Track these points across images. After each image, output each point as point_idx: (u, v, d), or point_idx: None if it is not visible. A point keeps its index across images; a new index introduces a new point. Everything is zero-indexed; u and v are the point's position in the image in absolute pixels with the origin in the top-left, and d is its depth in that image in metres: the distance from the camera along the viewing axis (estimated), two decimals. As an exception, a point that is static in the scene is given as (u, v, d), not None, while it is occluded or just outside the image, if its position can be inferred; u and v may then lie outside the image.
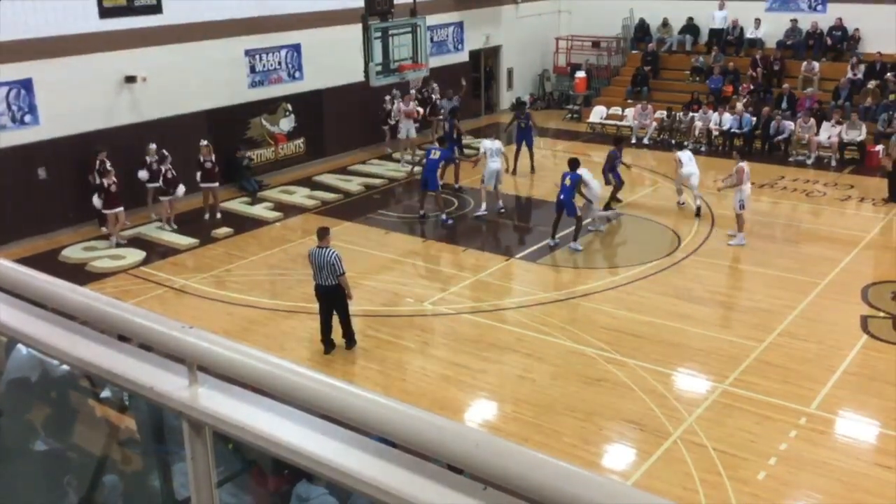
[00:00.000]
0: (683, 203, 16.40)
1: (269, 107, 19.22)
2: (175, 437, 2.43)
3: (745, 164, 14.45)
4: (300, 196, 17.77)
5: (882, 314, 11.65)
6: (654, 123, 21.81)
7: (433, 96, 21.97)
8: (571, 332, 11.20)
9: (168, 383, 2.22)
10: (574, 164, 14.61)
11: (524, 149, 19.40)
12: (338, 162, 20.26)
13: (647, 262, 13.65)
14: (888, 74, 20.90)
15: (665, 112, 21.93)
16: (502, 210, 16.58)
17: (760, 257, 13.95)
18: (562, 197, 14.31)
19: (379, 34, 17.97)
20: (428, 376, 10.26)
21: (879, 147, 18.94)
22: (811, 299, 12.21)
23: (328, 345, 10.78)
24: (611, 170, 16.27)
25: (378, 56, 18.03)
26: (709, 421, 9.05)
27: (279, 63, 19.29)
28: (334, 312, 10.68)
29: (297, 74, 19.67)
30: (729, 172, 14.95)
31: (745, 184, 14.24)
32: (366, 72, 17.34)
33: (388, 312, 12.07)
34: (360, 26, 17.27)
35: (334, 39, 19.53)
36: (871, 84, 20.90)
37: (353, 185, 18.46)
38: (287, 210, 16.90)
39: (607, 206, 16.01)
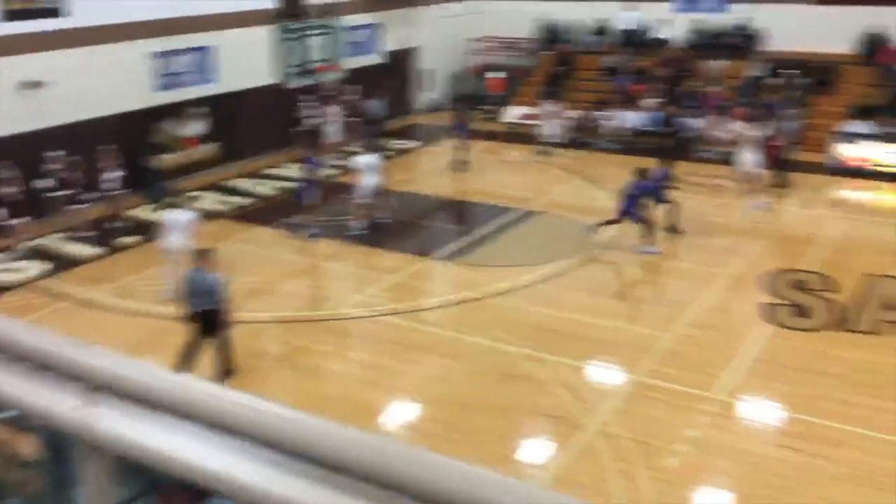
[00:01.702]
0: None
1: (180, 110, 18.81)
2: (76, 458, 2.39)
3: (738, 126, 15.65)
4: (213, 201, 17.44)
5: (784, 302, 12.18)
6: (568, 123, 22.19)
7: (353, 97, 21.92)
8: (489, 331, 11.34)
9: (63, 404, 2.19)
10: (642, 173, 14.32)
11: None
12: (252, 165, 19.99)
13: (562, 259, 13.92)
14: (788, 72, 21.85)
15: (579, 111, 22.37)
16: (384, 219, 15.86)
17: (670, 250, 14.40)
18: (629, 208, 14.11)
19: (294, 35, 17.81)
20: (347, 380, 10.23)
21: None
22: (719, 289, 12.69)
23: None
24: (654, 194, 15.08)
25: (293, 58, 17.87)
26: (622, 412, 9.30)
27: (191, 65, 18.90)
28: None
29: (209, 77, 19.31)
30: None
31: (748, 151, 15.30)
32: (280, 74, 17.17)
33: (306, 317, 11.99)
34: (270, 27, 17.08)
35: (248, 41, 19.23)
36: (773, 81, 21.80)
37: (268, 188, 18.26)
38: (200, 216, 16.54)
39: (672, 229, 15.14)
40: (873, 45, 21.77)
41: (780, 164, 17.80)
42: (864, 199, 17.95)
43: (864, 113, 20.09)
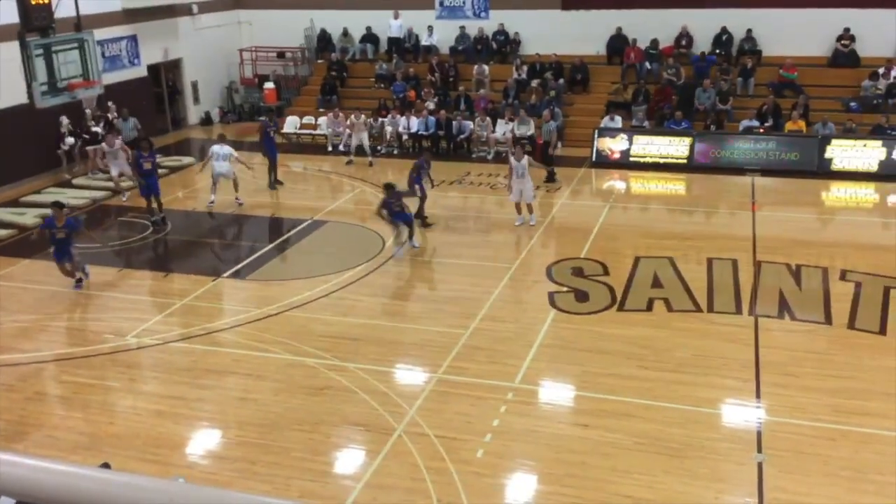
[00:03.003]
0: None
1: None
2: None
3: (512, 158, 15.78)
4: (-35, 236, 15.76)
5: (565, 289, 12.97)
6: (348, 130, 22.28)
7: (109, 115, 20.61)
8: (290, 345, 11.12)
9: None
10: (391, 187, 14.76)
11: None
12: (7, 194, 18.29)
13: (355, 266, 13.95)
14: (547, 74, 23.33)
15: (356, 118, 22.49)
16: (240, 203, 17.28)
17: (458, 249, 14.88)
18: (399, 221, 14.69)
19: (41, 51, 16.45)
20: (139, 415, 9.60)
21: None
22: (505, 283, 13.27)
23: None
24: (416, 180, 16.03)
25: (42, 75, 16.50)
26: (428, 410, 9.47)
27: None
28: None
29: (-55, 100, 17.37)
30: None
31: (516, 177, 15.58)
32: (30, 93, 15.78)
33: (86, 353, 11.11)
34: (16, 44, 15.66)
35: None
36: (534, 83, 23.18)
37: (30, 217, 16.74)
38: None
39: (419, 218, 15.86)
40: (618, 46, 23.77)
41: (547, 160, 18.98)
42: (626, 187, 19.56)
43: (616, 108, 21.88)
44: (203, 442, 9.19)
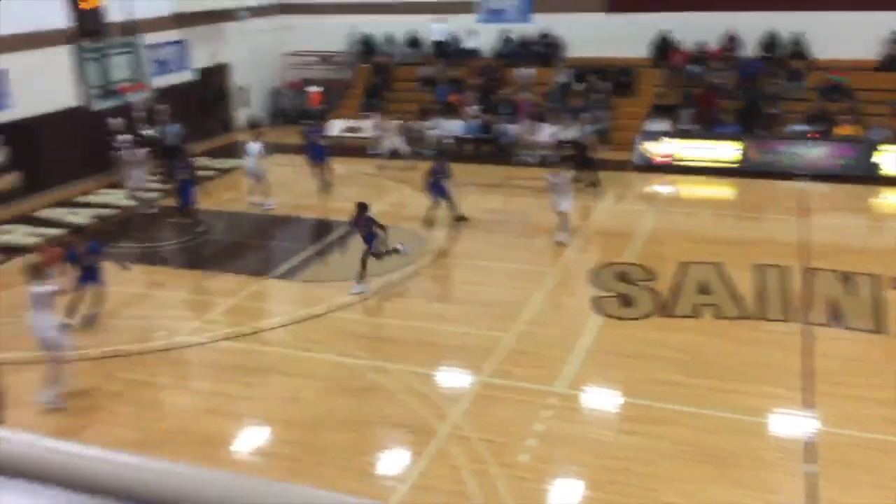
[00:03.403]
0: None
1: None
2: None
3: (549, 176, 15.32)
4: (20, 234, 16.20)
5: (609, 293, 12.88)
6: (385, 134, 22.40)
7: (154, 118, 21.00)
8: (335, 346, 11.23)
9: None
10: (363, 207, 13.52)
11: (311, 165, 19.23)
12: (63, 194, 18.76)
13: (398, 269, 14.02)
14: (591, 77, 23.21)
15: (401, 122, 22.62)
16: (261, 205, 17.50)
17: (500, 252, 14.88)
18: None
19: (94, 55, 16.90)
20: (189, 412, 9.78)
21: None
22: (548, 286, 13.24)
23: None
24: (433, 186, 16.12)
25: (95, 79, 16.95)
26: (471, 413, 9.48)
27: (-20, 91, 17.43)
28: None
29: (4, 102, 17.87)
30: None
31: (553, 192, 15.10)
32: (84, 96, 16.24)
33: (138, 350, 11.35)
34: (70, 48, 16.13)
35: (44, 63, 18.00)
36: (578, 86, 23.08)
37: (83, 217, 17.17)
38: (6, 251, 15.31)
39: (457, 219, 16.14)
40: (664, 49, 23.56)
41: (590, 163, 18.84)
42: (670, 192, 19.37)
43: (662, 112, 21.69)
44: (249, 440, 9.32)
